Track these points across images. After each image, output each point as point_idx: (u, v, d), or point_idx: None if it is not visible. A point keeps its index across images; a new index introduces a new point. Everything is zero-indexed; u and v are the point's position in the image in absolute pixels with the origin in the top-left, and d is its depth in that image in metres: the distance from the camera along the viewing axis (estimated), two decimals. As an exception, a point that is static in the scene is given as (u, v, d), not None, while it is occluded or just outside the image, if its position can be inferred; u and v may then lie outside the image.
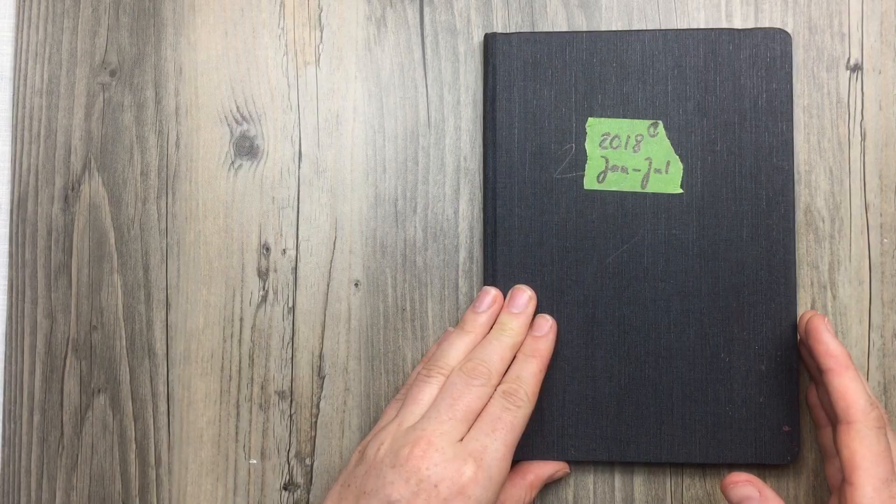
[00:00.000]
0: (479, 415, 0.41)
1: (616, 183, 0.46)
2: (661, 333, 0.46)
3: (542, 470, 0.45)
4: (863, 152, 0.47)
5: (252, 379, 0.48)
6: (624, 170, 0.46)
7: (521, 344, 0.44)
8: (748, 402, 0.45)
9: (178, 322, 0.49)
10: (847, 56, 0.48)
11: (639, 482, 0.47)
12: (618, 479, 0.47)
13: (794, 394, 0.45)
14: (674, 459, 0.45)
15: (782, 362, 0.45)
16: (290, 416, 0.48)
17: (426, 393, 0.42)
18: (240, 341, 0.48)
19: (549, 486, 0.47)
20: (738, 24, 0.48)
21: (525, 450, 0.45)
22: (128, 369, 0.49)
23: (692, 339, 0.45)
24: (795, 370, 0.45)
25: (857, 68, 0.48)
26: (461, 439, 0.40)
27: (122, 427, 0.48)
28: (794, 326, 0.45)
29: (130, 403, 0.48)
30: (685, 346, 0.45)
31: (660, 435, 0.45)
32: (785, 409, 0.45)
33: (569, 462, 0.47)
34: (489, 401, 0.42)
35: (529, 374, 0.43)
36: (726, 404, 0.45)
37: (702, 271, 0.46)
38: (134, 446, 0.48)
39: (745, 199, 0.46)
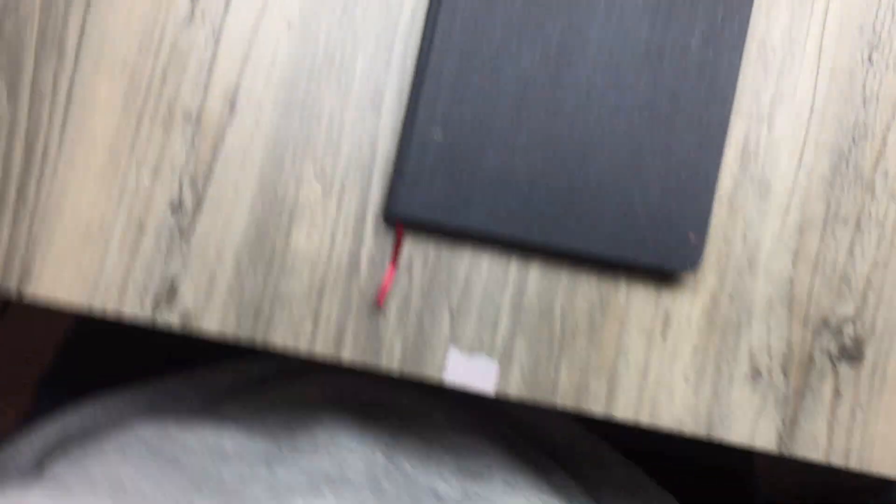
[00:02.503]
0: None
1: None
2: (590, 121, 0.44)
3: None
4: (829, -8, 0.46)
5: (161, 95, 0.46)
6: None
7: None
8: (661, 205, 0.44)
9: (95, 23, 0.46)
10: None
11: (534, 276, 0.45)
12: (513, 267, 0.45)
13: (708, 205, 0.44)
14: (574, 245, 0.43)
15: (701, 173, 0.44)
16: (192, 138, 0.46)
17: None
18: (156, 54, 0.46)
19: (443, 259, 0.45)
20: None
21: (427, 208, 0.43)
22: (33, 59, 0.46)
23: (619, 134, 0.44)
24: (713, 182, 0.44)
25: None
26: None
27: (14, 117, 0.46)
28: (722, 141, 0.44)
29: (28, 93, 0.46)
30: (611, 138, 0.44)
31: (566, 218, 0.44)
32: (695, 218, 0.44)
33: (469, 235, 0.45)
34: None
35: None
36: (639, 203, 0.44)
37: (644, 69, 0.44)
38: (23, 135, 0.46)
39: (702, 7, 0.44)
